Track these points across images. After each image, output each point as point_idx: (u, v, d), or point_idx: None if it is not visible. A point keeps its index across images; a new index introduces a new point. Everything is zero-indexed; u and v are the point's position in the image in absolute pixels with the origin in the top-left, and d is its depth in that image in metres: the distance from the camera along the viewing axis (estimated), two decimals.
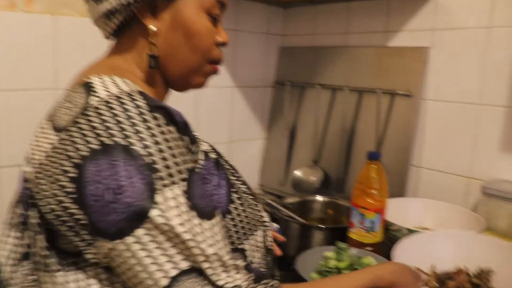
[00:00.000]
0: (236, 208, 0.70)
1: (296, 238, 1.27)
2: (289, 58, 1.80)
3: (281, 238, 1.08)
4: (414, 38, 1.45)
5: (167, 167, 0.56)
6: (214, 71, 0.77)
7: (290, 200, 1.44)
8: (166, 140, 0.57)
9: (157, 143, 0.56)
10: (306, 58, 1.73)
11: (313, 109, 1.66)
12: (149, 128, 0.56)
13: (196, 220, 0.57)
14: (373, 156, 1.13)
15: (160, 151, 0.56)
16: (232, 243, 0.68)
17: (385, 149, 1.46)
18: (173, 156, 0.57)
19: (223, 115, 1.71)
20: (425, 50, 1.42)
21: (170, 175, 0.56)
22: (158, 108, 0.59)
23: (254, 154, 1.85)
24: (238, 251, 0.69)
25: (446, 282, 0.95)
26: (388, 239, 1.17)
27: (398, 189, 1.43)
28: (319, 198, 1.46)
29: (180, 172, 0.57)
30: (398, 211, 1.26)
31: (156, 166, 0.55)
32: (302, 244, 1.23)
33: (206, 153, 0.68)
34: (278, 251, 0.97)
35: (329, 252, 1.07)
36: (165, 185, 0.55)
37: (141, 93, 0.60)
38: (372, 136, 1.47)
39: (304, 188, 1.61)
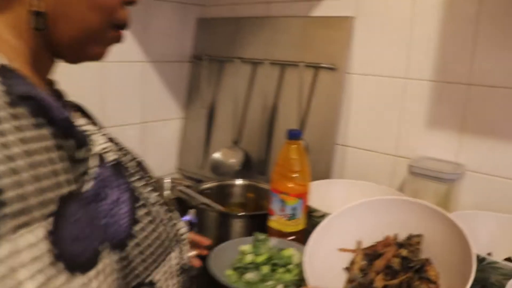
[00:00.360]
0: (143, 229, 0.54)
1: (215, 227, 1.14)
2: (208, 30, 1.64)
3: (203, 241, 0.94)
4: (338, 8, 1.34)
5: (22, 198, 0.37)
6: (117, 39, 0.58)
7: (207, 185, 1.32)
8: (28, 154, 0.39)
9: (10, 159, 0.37)
10: (225, 30, 1.59)
11: (233, 85, 1.53)
12: (1, 134, 0.38)
13: (62, 278, 0.39)
14: (293, 135, 1.01)
15: (14, 172, 0.37)
16: (136, 276, 0.52)
17: (309, 127, 1.36)
18: (36, 179, 0.39)
19: (134, 93, 1.53)
20: (350, 20, 1.31)
21: (26, 211, 0.37)
22: (24, 99, 0.41)
23: (171, 136, 1.69)
24: (144, 286, 0.53)
25: (373, 263, 0.86)
26: (312, 226, 1.06)
27: (323, 171, 1.33)
28: (239, 181, 1.34)
29: (43, 204, 0.39)
30: (322, 194, 1.16)
31: (3, 197, 0.36)
32: (221, 234, 1.12)
33: (102, 156, 0.52)
34: (197, 263, 0.83)
35: (246, 246, 0.95)
36: (16, 227, 0.37)
37: (3, 70, 0.42)
38: (295, 113, 1.36)
39: (223, 171, 1.48)
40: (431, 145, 1.22)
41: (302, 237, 1.04)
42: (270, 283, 0.87)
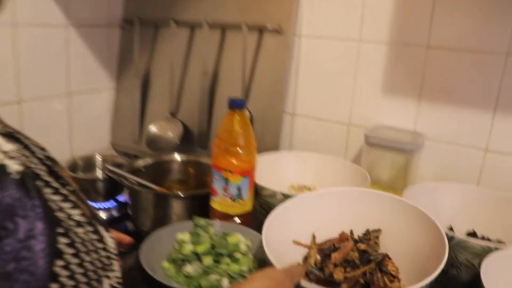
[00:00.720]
0: (66, 266, 0.39)
1: (151, 210, 1.01)
2: None
3: (123, 239, 0.79)
4: None
5: None
6: None
7: (143, 162, 1.17)
8: None
9: None
10: None
11: (169, 51, 1.36)
12: None
13: None
14: (236, 104, 0.88)
15: None
16: None
17: (254, 95, 1.23)
18: None
19: (56, 62, 1.34)
20: None
21: None
22: None
23: (102, 108, 1.51)
24: None
25: (330, 256, 0.76)
26: (261, 207, 0.95)
27: (270, 143, 1.21)
28: (178, 157, 1.20)
29: None
30: (271, 170, 1.05)
31: None
32: (158, 217, 0.99)
33: (4, 169, 0.37)
34: None
35: (184, 234, 0.82)
36: None
37: None
38: (238, 81, 1.23)
39: (161, 146, 1.33)
40: (388, 113, 1.12)
41: (249, 219, 0.92)
42: (213, 277, 0.75)
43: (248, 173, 0.88)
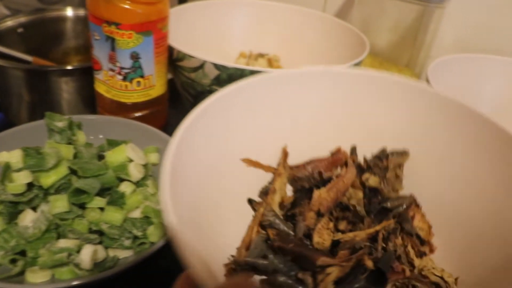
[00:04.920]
0: None
1: (25, 95, 0.59)
2: None
3: None
4: None
5: None
6: None
7: (13, 21, 0.71)
8: None
9: None
10: None
11: None
12: None
13: None
14: None
15: None
16: None
17: None
18: None
19: None
20: None
21: None
22: None
23: None
24: None
25: (311, 194, 0.38)
26: (185, 91, 0.54)
27: None
28: (70, 11, 0.75)
29: None
30: (204, 26, 0.62)
31: None
32: (37, 106, 0.58)
33: None
34: None
35: (14, 153, 0.40)
36: None
37: None
38: None
39: None
40: None
41: (160, 115, 0.52)
42: (65, 243, 0.36)
43: (152, 27, 0.46)
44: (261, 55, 0.70)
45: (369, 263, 0.32)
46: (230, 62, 0.52)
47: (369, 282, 0.31)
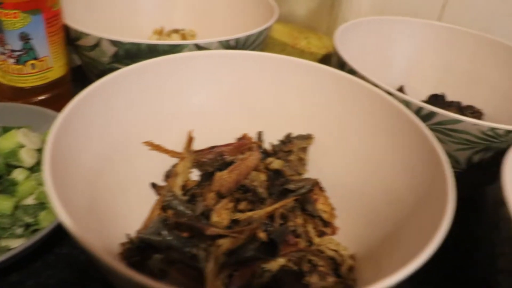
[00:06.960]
0: None
1: None
2: None
3: None
4: None
5: None
6: None
7: None
8: None
9: None
10: None
11: None
12: None
13: None
14: None
15: None
16: None
17: None
18: None
19: None
20: None
21: None
22: None
23: None
24: None
25: (213, 177, 0.37)
26: (90, 71, 0.52)
27: None
28: None
29: None
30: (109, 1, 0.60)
31: None
32: None
33: None
34: None
35: None
36: None
37: None
38: None
39: None
40: None
41: (63, 98, 0.50)
42: None
43: (40, 5, 0.43)
44: (175, 31, 0.68)
45: (262, 235, 0.32)
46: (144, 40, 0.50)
47: (260, 252, 0.31)
